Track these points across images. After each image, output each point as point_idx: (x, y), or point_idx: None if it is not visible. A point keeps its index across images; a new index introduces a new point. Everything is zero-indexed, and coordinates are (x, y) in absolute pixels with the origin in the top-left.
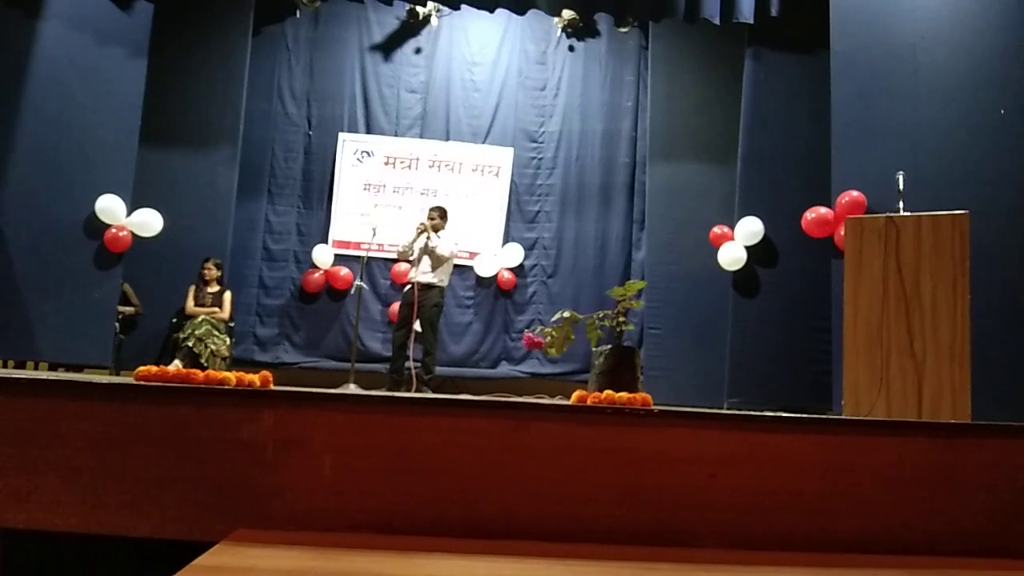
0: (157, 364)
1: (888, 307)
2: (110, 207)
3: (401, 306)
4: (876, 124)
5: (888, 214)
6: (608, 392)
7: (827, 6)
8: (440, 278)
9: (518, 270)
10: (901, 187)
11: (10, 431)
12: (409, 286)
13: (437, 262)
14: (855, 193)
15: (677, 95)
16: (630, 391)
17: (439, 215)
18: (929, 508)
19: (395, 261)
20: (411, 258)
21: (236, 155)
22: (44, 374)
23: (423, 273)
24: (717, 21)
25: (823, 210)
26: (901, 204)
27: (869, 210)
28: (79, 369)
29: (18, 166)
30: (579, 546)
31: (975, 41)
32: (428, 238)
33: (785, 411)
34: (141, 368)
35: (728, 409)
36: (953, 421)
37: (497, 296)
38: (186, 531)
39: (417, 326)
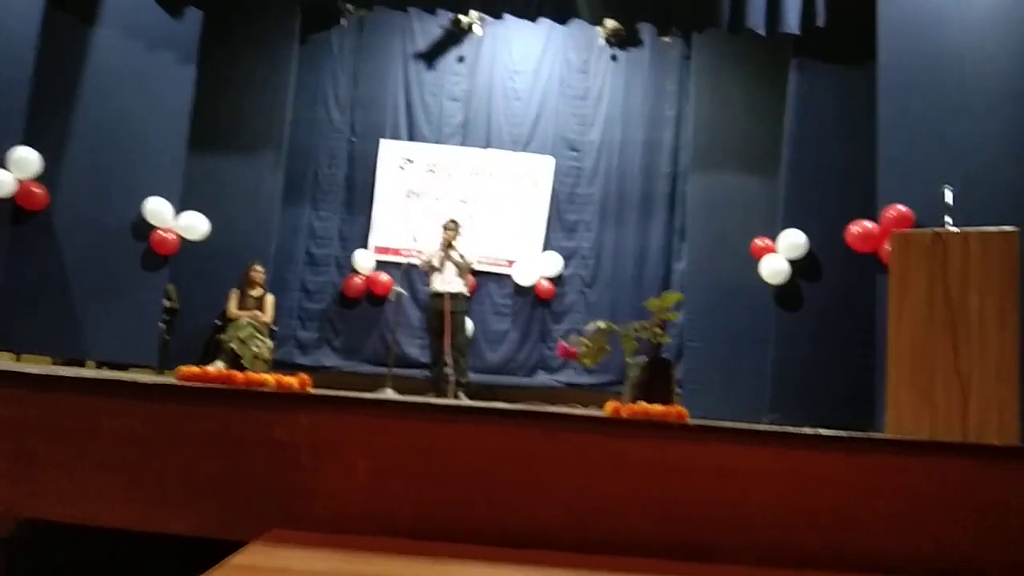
0: (200, 365)
1: (934, 324)
2: (158, 210)
3: (431, 318)
4: (924, 137)
5: (935, 229)
6: (642, 404)
7: (874, 17)
8: (465, 285)
9: (556, 279)
10: (949, 201)
11: (56, 427)
12: (435, 296)
13: (462, 271)
14: (901, 207)
15: (720, 105)
16: (664, 403)
17: (456, 226)
18: (970, 532)
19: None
20: (435, 266)
21: (281, 161)
22: (89, 372)
23: (449, 283)
24: (762, 31)
25: (868, 224)
26: (948, 219)
27: (916, 224)
28: (124, 368)
29: (70, 168)
30: (607, 558)
31: None
32: (452, 248)
33: (826, 427)
34: (182, 368)
35: (768, 424)
36: (998, 443)
37: (535, 305)
38: (221, 529)
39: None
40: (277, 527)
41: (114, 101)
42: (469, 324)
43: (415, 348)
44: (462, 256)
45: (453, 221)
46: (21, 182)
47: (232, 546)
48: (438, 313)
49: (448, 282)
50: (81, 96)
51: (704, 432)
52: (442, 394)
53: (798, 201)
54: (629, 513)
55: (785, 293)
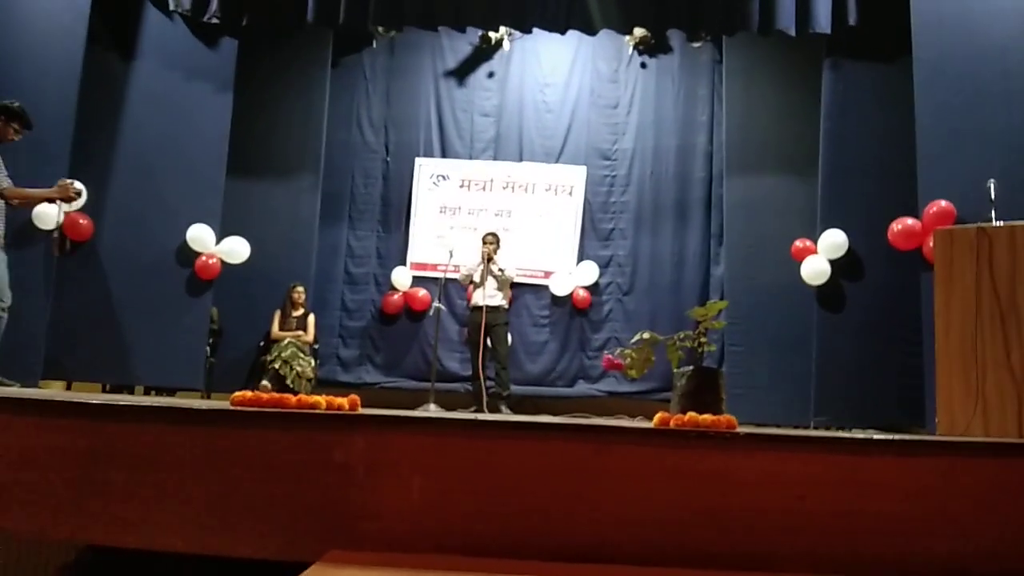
0: (246, 387)
1: (982, 320)
2: (200, 236)
3: (472, 330)
4: (964, 130)
5: (979, 224)
6: (691, 414)
7: (908, 13)
8: (505, 299)
9: (593, 288)
10: (993, 195)
11: (118, 455)
12: (475, 309)
13: (502, 284)
14: (943, 203)
15: (753, 108)
16: (713, 413)
17: (495, 240)
18: None
19: (471, 282)
20: (475, 280)
21: (318, 183)
22: (146, 400)
23: (490, 296)
24: (792, 32)
25: (910, 221)
26: (993, 213)
27: (959, 220)
28: (172, 392)
29: (115, 198)
30: (665, 570)
31: None
32: (492, 262)
33: (875, 429)
34: (237, 393)
35: (815, 427)
36: None
37: (572, 315)
38: (283, 552)
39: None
40: (336, 548)
41: (154, 131)
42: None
43: (455, 362)
44: (501, 270)
45: (492, 234)
46: (67, 214)
47: (293, 567)
48: (477, 327)
49: (488, 296)
50: (122, 128)
51: (755, 440)
52: (482, 407)
53: (837, 200)
54: (685, 524)
55: (827, 294)
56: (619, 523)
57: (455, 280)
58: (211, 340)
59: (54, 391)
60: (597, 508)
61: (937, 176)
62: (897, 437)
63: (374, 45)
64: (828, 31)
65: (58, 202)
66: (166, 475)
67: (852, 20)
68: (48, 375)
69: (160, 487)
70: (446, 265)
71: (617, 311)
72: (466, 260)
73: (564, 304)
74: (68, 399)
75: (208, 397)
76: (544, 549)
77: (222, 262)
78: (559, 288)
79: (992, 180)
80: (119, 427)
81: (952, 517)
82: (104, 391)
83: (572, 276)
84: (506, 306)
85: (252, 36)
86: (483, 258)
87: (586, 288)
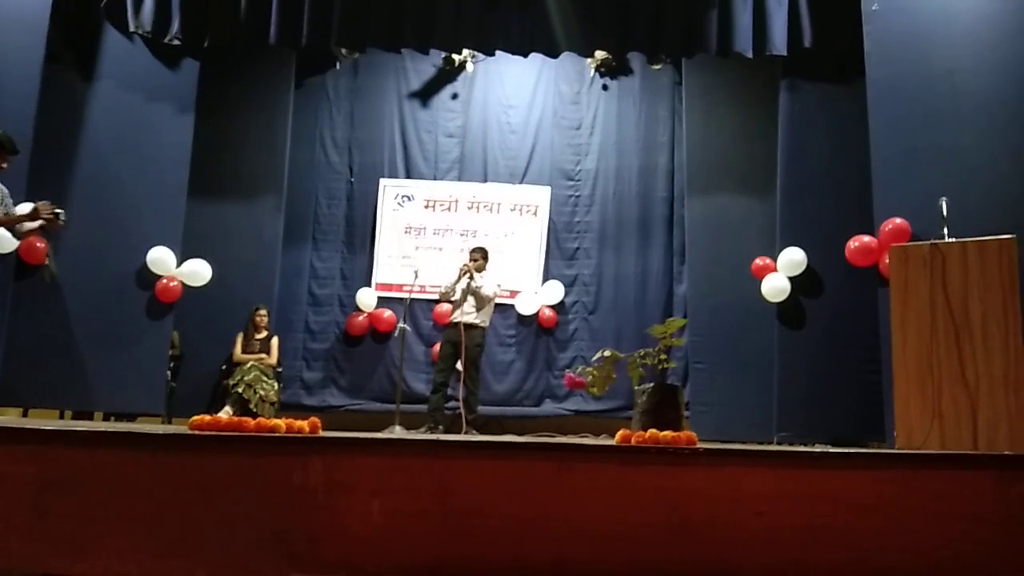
0: (208, 411)
1: (937, 335)
2: (161, 258)
3: (443, 344)
4: (917, 150)
5: (933, 241)
6: (652, 431)
7: (861, 35)
8: (483, 319)
9: (559, 307)
10: (945, 213)
11: (70, 481)
12: (452, 326)
13: (481, 303)
14: (898, 220)
15: (713, 128)
16: (674, 429)
17: (481, 256)
18: (988, 543)
19: (437, 302)
20: (453, 299)
21: (281, 204)
22: (102, 425)
23: (467, 314)
24: (750, 54)
25: (866, 238)
26: (946, 230)
27: (913, 237)
28: (132, 418)
29: (73, 220)
30: None
31: (1015, 64)
32: (472, 279)
33: (836, 444)
34: (195, 417)
35: (778, 443)
36: (1009, 452)
37: (539, 334)
38: None
39: (458, 365)
40: (296, 572)
41: (114, 152)
42: None
43: (421, 383)
44: (479, 287)
45: (480, 249)
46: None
47: None
48: (452, 342)
49: (466, 313)
50: (81, 148)
51: (715, 456)
52: (437, 423)
53: (795, 219)
54: (646, 540)
55: (787, 311)
56: (581, 540)
57: (420, 300)
58: (172, 364)
59: (7, 418)
60: (559, 526)
61: (891, 194)
62: (854, 451)
63: (337, 66)
64: (784, 53)
65: (41, 224)
66: (121, 501)
67: (807, 42)
68: (3, 402)
69: (115, 513)
70: (411, 286)
71: (583, 330)
72: (433, 279)
73: (530, 323)
74: (18, 425)
75: (169, 422)
76: (507, 569)
77: (183, 285)
78: (525, 307)
79: (944, 198)
80: (72, 453)
81: (909, 530)
82: (62, 418)
83: (538, 295)
84: (482, 326)
85: (214, 57)
86: (462, 273)
87: (552, 307)
